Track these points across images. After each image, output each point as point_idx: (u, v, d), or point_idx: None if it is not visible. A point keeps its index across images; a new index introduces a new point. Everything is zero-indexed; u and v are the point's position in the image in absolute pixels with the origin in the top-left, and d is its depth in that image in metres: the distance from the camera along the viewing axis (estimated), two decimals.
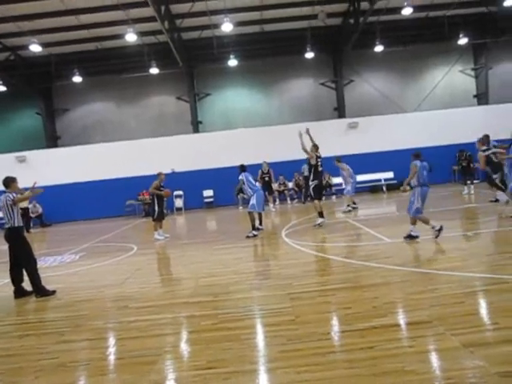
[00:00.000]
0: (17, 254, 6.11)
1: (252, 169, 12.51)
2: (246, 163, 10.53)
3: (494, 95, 20.85)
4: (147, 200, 17.20)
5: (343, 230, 9.52)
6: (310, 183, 10.05)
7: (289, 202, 17.91)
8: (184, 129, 20.82)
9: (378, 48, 18.94)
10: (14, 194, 6.18)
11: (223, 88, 21.54)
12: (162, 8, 15.41)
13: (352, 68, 21.29)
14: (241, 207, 17.05)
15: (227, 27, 16.19)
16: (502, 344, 3.22)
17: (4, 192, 6.16)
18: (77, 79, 19.43)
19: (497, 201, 10.37)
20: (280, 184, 18.32)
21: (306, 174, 16.04)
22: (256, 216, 10.02)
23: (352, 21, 17.83)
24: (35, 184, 6.74)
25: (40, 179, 6.44)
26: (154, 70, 19.27)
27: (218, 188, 19.09)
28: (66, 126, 21.89)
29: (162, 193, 10.68)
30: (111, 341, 4.19)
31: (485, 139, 11.00)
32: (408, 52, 20.85)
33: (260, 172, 15.55)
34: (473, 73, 21.82)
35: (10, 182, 6.24)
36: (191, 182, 18.92)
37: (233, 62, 19.70)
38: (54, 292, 6.06)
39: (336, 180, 18.09)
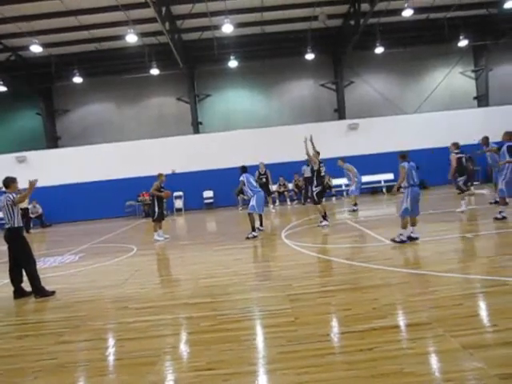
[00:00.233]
0: (16, 255, 6.11)
1: (252, 170, 12.55)
2: (246, 164, 10.57)
3: (494, 97, 20.87)
4: (147, 201, 17.21)
5: (343, 232, 9.52)
6: (314, 189, 10.32)
7: (288, 203, 17.91)
8: (184, 130, 20.83)
9: (379, 49, 18.95)
10: (14, 195, 6.18)
11: (223, 89, 21.57)
12: (163, 9, 15.42)
13: (352, 69, 21.31)
14: (240, 208, 17.06)
15: (228, 28, 16.20)
16: (501, 346, 3.22)
17: (4, 192, 6.17)
18: (77, 80, 19.43)
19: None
20: (280, 185, 18.33)
21: (306, 175, 16.15)
22: (256, 217, 10.09)
23: (352, 22, 17.85)
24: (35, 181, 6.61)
25: (40, 180, 6.40)
26: (155, 71, 19.28)
27: (218, 189, 19.11)
28: (67, 126, 21.89)
29: (162, 194, 10.69)
30: (110, 341, 4.19)
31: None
32: (408, 54, 20.89)
33: (257, 173, 15.54)
34: (473, 75, 21.83)
35: (10, 182, 6.24)
36: (191, 183, 18.94)
37: (233, 64, 19.71)
38: (53, 293, 6.06)
39: (336, 181, 18.11)
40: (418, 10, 17.12)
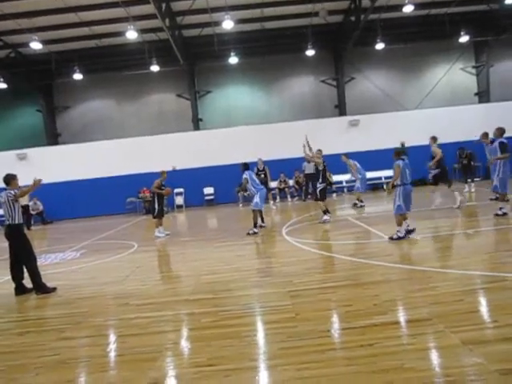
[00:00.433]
0: (17, 252, 6.12)
1: (252, 166, 12.54)
2: (246, 161, 10.58)
3: (495, 93, 20.78)
4: (148, 197, 17.22)
5: (344, 228, 9.53)
6: (318, 185, 10.43)
7: (289, 199, 17.90)
8: (184, 126, 20.78)
9: (379, 45, 18.86)
10: (16, 190, 6.19)
11: (224, 85, 21.51)
12: (163, 5, 15.38)
13: (353, 65, 21.23)
14: (241, 205, 17.07)
15: (228, 25, 16.15)
16: (501, 342, 3.23)
17: (5, 189, 6.17)
18: (77, 76, 19.36)
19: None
20: (280, 181, 18.32)
21: (307, 171, 16.13)
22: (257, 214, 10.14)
23: (353, 18, 17.78)
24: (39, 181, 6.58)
25: (41, 177, 6.39)
26: (155, 68, 19.22)
27: (219, 185, 19.09)
28: (67, 123, 21.87)
29: (163, 191, 10.72)
30: (112, 338, 4.21)
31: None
32: (409, 49, 20.77)
33: (255, 169, 15.48)
34: (474, 71, 21.74)
35: (10, 179, 6.24)
36: (192, 180, 18.92)
37: (233, 60, 19.65)
38: (54, 289, 6.08)
39: (336, 178, 18.08)
40: (418, 6, 17.06)
